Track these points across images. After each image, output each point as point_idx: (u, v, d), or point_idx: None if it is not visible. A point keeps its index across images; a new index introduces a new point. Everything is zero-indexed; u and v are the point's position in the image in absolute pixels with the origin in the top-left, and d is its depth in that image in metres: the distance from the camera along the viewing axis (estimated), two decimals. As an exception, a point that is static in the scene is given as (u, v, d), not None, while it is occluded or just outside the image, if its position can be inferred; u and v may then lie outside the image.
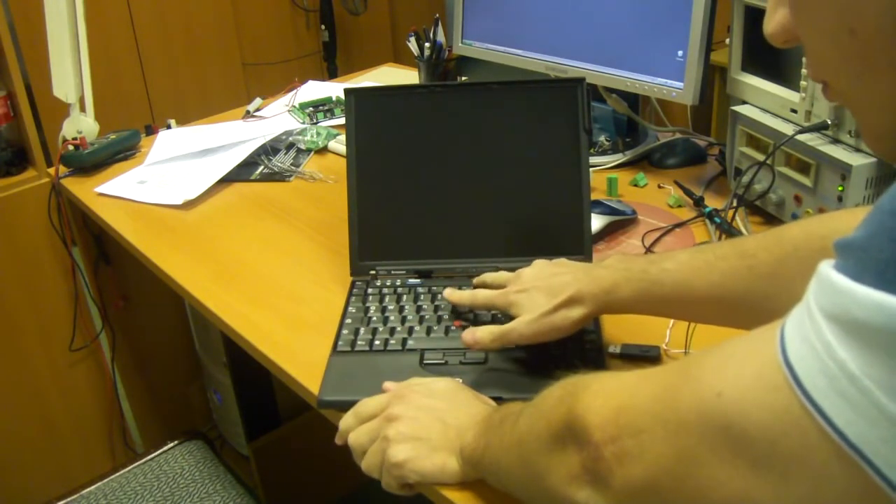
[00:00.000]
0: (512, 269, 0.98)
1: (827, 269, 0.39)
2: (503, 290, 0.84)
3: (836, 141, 1.01)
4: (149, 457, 1.32)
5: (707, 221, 1.12)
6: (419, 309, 0.95)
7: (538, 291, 0.80)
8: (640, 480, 0.47)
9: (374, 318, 0.94)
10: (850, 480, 0.37)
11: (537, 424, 0.58)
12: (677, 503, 0.45)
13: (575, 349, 0.86)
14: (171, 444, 1.34)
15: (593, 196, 1.05)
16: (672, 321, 0.91)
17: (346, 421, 0.78)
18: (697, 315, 0.79)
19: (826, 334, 0.37)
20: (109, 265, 1.57)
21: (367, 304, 0.96)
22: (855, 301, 0.36)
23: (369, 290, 0.99)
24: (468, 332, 0.81)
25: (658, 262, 0.76)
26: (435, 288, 0.98)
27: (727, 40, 1.16)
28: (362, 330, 0.92)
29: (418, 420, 0.73)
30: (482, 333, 0.80)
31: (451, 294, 0.91)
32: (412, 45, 1.61)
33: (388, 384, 0.79)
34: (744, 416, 0.41)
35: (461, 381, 0.81)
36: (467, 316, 0.93)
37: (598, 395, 0.52)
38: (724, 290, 0.71)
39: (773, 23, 0.48)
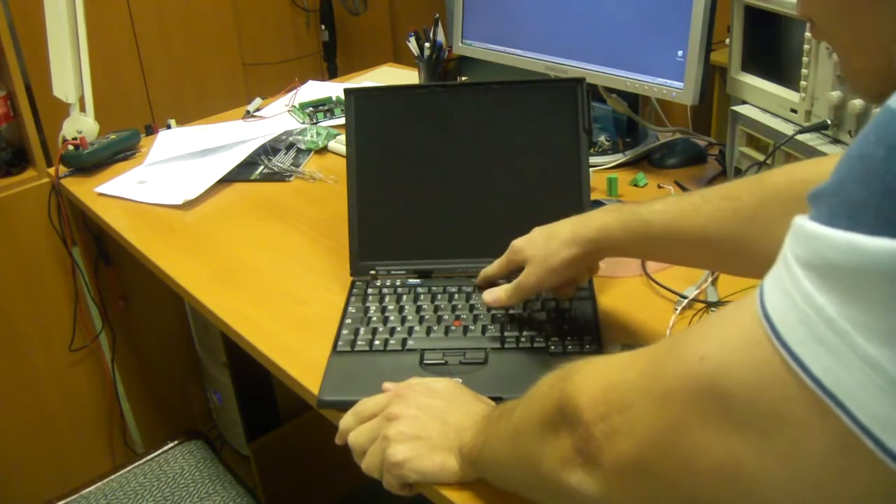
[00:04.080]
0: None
1: (801, 220, 0.39)
2: (510, 248, 0.88)
3: (836, 141, 1.01)
4: (149, 457, 1.32)
5: (707, 221, 1.12)
6: (419, 309, 0.95)
7: (539, 238, 0.85)
8: (629, 457, 0.47)
9: (374, 318, 0.94)
10: (829, 433, 0.37)
11: (531, 412, 0.58)
12: (666, 475, 0.45)
13: (574, 349, 0.86)
14: (171, 444, 1.34)
15: (593, 196, 1.05)
16: (672, 321, 0.91)
17: (345, 421, 0.78)
18: (685, 256, 0.82)
19: (803, 282, 0.38)
20: (109, 265, 1.57)
21: (367, 304, 0.96)
22: (829, 245, 0.36)
23: (369, 290, 0.99)
24: (487, 292, 0.89)
25: (648, 205, 0.78)
26: (435, 288, 0.98)
27: (727, 40, 1.17)
28: (362, 330, 0.92)
29: (418, 419, 0.73)
30: (500, 291, 0.88)
31: (481, 279, 0.95)
32: (412, 45, 1.61)
33: (387, 384, 0.79)
34: (726, 376, 0.41)
35: (460, 380, 0.81)
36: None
37: (587, 375, 0.52)
38: (710, 230, 0.73)
39: None
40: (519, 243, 0.87)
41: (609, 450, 0.48)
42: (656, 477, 0.46)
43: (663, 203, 0.78)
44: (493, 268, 0.92)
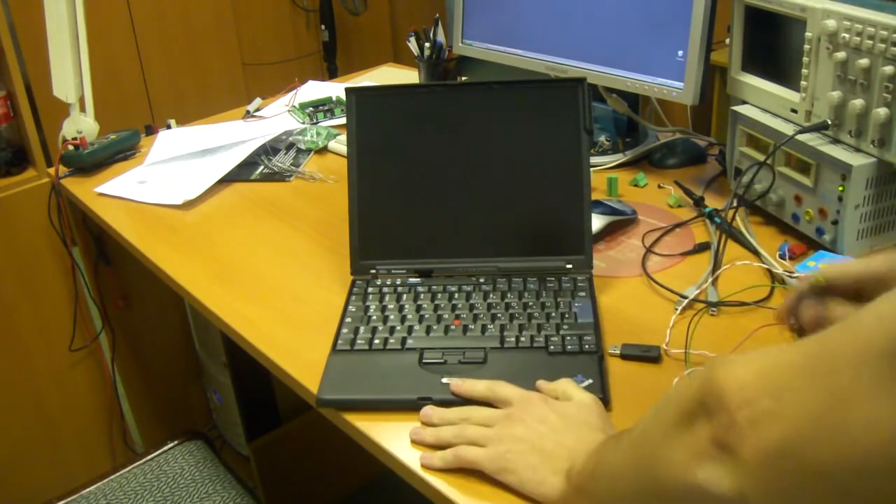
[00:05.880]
0: (511, 269, 0.98)
1: None
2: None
3: (836, 141, 1.01)
4: (149, 457, 1.32)
5: (707, 221, 1.12)
6: (419, 308, 0.95)
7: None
8: (775, 443, 0.43)
9: (374, 317, 0.94)
10: None
11: (664, 412, 0.55)
12: (817, 462, 0.42)
13: (574, 349, 0.86)
14: (171, 444, 1.34)
15: (593, 196, 1.05)
16: (672, 321, 0.91)
17: (478, 385, 0.79)
18: None
19: None
20: (109, 265, 1.57)
21: (367, 304, 0.96)
22: None
23: (369, 290, 0.99)
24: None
25: None
26: (435, 287, 0.98)
27: (727, 40, 1.16)
28: (362, 329, 0.92)
29: (537, 431, 0.73)
30: None
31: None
32: (412, 45, 1.61)
33: (540, 382, 0.80)
34: None
35: (600, 399, 0.78)
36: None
37: (737, 362, 0.48)
38: None
39: None
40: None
41: (752, 437, 0.44)
42: (804, 466, 0.42)
43: None
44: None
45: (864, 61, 0.93)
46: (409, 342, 0.89)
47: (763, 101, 1.12)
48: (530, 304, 0.93)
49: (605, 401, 0.79)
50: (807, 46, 1.01)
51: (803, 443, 0.42)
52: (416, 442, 0.77)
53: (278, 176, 1.41)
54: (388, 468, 0.78)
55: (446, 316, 0.93)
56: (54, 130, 1.50)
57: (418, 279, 1.00)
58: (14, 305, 1.52)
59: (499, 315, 0.92)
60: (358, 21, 3.46)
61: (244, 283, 1.08)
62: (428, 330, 0.91)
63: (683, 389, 0.53)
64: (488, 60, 1.45)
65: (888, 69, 0.90)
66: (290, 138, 1.54)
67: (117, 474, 1.29)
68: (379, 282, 1.00)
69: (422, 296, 0.97)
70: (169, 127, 1.63)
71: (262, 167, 1.44)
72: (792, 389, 0.43)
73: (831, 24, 0.96)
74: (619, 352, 0.87)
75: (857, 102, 0.95)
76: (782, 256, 1.02)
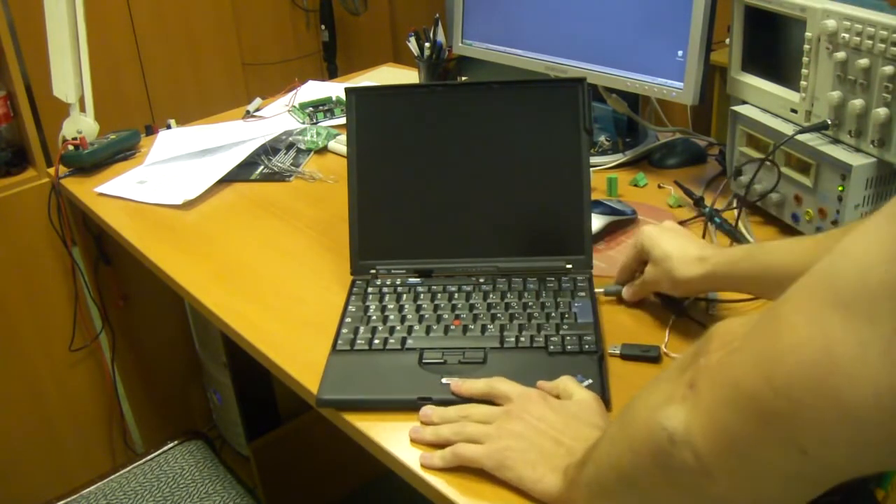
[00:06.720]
0: (511, 269, 0.98)
1: None
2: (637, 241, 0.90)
3: (836, 141, 1.01)
4: (149, 457, 1.32)
5: (707, 221, 1.12)
6: (419, 308, 0.95)
7: (668, 244, 0.88)
8: (726, 374, 0.45)
9: (374, 318, 0.94)
10: None
11: (656, 380, 0.55)
12: (752, 385, 0.43)
13: (574, 349, 0.86)
14: (171, 444, 1.34)
15: (593, 196, 1.05)
16: (671, 320, 0.91)
17: (478, 384, 0.80)
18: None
19: None
20: (109, 265, 1.57)
21: (367, 304, 0.96)
22: None
23: (369, 290, 0.99)
24: (624, 290, 0.96)
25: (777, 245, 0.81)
26: (435, 287, 0.98)
27: (727, 40, 1.16)
28: (362, 329, 0.92)
29: (536, 429, 0.73)
30: (627, 289, 0.95)
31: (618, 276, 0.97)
32: (412, 45, 1.61)
33: (541, 383, 0.80)
34: (844, 255, 0.40)
35: (599, 397, 0.78)
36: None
37: (737, 318, 0.49)
38: None
39: None
40: (647, 243, 0.90)
41: (715, 373, 0.46)
42: (740, 393, 0.44)
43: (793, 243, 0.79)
44: (625, 262, 0.96)
45: (863, 61, 0.93)
46: (409, 342, 0.89)
47: (763, 101, 1.12)
48: (530, 304, 0.93)
49: (606, 401, 0.79)
50: (807, 46, 1.01)
51: (744, 372, 0.44)
52: (415, 440, 0.78)
53: (278, 176, 1.41)
54: (388, 468, 0.79)
55: (446, 316, 0.93)
56: (54, 130, 1.50)
57: (418, 279, 1.00)
58: (14, 305, 1.52)
59: (499, 315, 0.92)
60: (358, 21, 3.46)
61: (244, 283, 1.08)
62: (428, 330, 0.91)
63: (682, 356, 0.54)
64: (488, 60, 1.45)
65: (888, 69, 0.90)
66: (290, 138, 1.54)
67: (117, 474, 1.29)
68: (379, 282, 1.00)
69: (422, 296, 0.97)
70: (169, 127, 1.63)
71: (262, 167, 1.44)
72: (754, 328, 0.45)
73: (831, 24, 0.96)
74: (618, 352, 0.87)
75: (857, 102, 0.95)
76: (782, 256, 1.02)
